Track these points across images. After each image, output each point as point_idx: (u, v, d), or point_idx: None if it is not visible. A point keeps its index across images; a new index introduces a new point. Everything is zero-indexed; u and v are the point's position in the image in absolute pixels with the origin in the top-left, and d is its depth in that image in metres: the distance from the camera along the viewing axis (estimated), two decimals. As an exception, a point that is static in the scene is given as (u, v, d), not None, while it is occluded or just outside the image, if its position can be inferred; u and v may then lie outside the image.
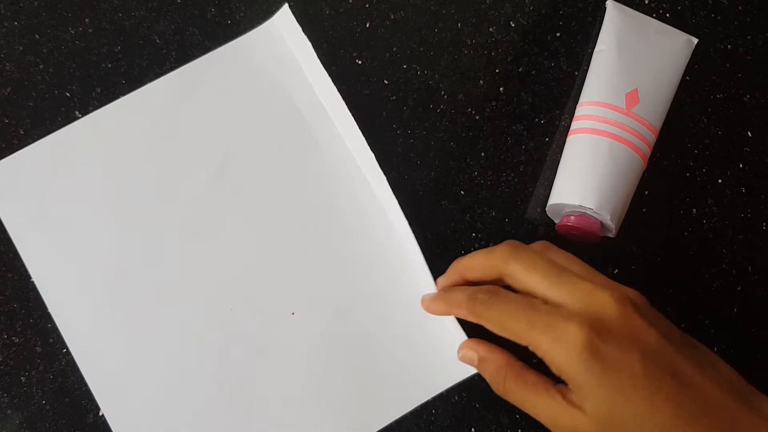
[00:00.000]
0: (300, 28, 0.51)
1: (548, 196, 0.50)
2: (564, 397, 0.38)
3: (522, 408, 0.40)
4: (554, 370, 0.38)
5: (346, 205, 0.50)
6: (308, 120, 0.51)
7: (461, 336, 0.46)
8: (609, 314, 0.37)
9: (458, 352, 0.45)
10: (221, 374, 0.47)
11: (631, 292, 0.39)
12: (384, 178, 0.49)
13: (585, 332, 0.36)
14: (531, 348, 0.39)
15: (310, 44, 0.51)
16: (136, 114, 0.50)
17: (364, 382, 0.48)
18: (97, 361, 0.47)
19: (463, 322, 0.50)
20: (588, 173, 0.47)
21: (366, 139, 0.50)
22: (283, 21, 0.52)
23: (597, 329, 0.37)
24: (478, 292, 0.42)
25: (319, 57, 0.51)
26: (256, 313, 0.48)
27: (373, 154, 0.49)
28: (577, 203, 0.47)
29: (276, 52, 0.52)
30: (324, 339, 0.48)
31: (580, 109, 0.50)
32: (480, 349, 0.43)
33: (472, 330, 0.49)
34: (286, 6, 0.51)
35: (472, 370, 0.47)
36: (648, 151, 0.48)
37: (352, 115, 0.50)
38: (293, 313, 0.48)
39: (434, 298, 0.46)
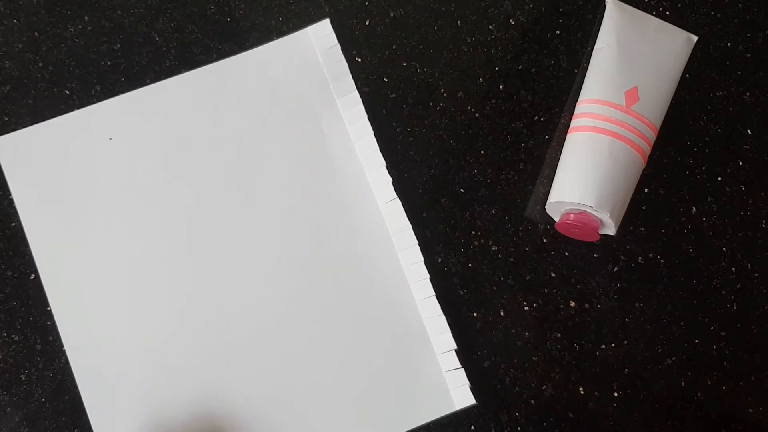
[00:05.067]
0: (337, 43, 0.51)
1: (548, 194, 0.50)
2: None
3: None
4: None
5: (353, 221, 0.50)
6: (326, 134, 0.51)
7: (451, 350, 0.47)
8: None
9: None
10: (214, 375, 0.48)
11: None
12: (402, 209, 0.49)
13: None
14: None
15: (345, 61, 0.51)
16: (156, 105, 0.50)
17: (356, 394, 0.48)
18: (88, 350, 0.47)
19: (458, 340, 0.50)
20: (587, 171, 0.47)
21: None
22: (319, 33, 0.51)
23: None
24: None
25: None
26: (250, 316, 0.48)
27: (390, 179, 0.49)
28: (576, 201, 0.47)
29: (305, 62, 0.51)
30: (318, 344, 0.48)
31: (580, 107, 0.50)
32: None
33: (465, 354, 0.49)
34: (327, 20, 0.51)
35: (455, 407, 0.47)
36: (648, 149, 0.48)
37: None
38: (287, 315, 0.49)
39: None
